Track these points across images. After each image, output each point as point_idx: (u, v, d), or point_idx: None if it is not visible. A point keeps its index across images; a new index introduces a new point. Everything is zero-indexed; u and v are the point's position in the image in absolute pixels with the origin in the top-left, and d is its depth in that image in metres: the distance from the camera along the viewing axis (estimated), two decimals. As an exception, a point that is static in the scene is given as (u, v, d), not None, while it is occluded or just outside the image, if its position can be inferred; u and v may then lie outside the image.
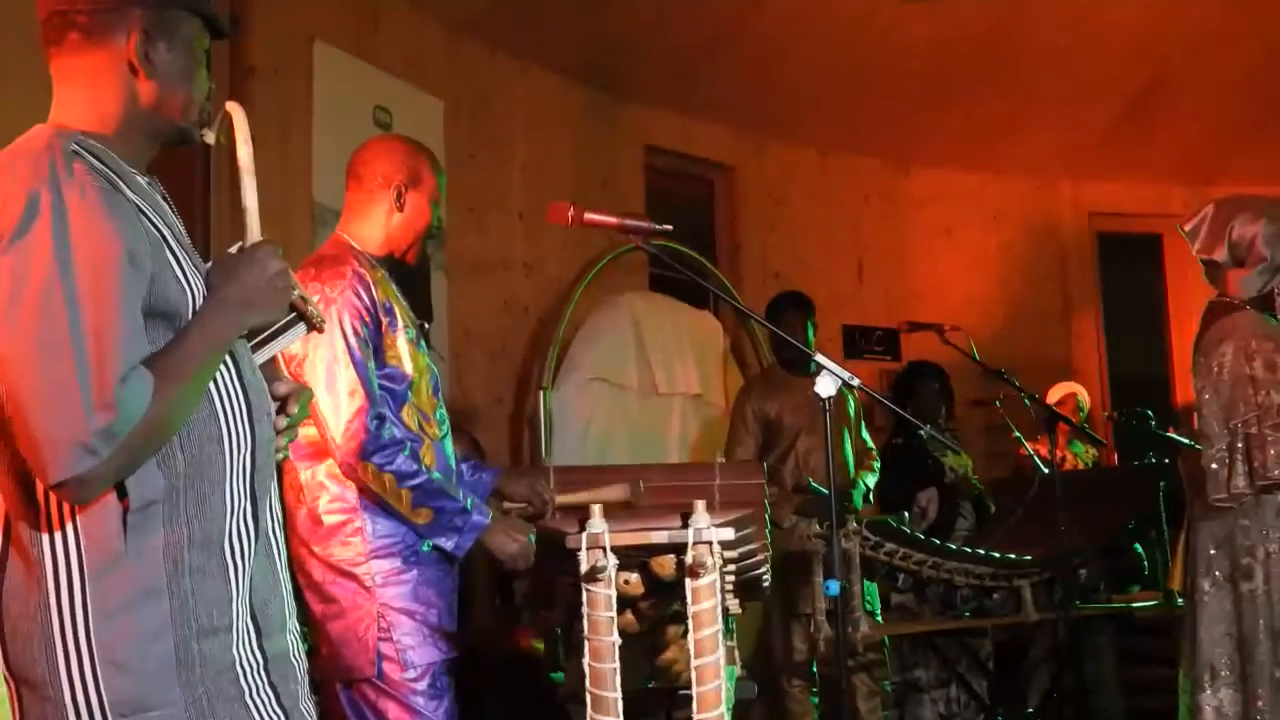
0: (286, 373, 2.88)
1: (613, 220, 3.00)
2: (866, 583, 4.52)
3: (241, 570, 1.82)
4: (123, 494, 1.72)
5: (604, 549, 2.27)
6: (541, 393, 5.92)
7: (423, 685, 2.90)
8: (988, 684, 5.49)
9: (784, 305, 5.41)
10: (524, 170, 6.26)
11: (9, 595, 1.75)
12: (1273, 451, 3.30)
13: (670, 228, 3.06)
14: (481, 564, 4.60)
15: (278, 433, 1.95)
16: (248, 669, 1.80)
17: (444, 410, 3.16)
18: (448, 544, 2.94)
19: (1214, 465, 3.41)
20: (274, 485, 1.93)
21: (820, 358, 3.05)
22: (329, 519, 2.94)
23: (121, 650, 1.70)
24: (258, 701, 1.80)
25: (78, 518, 1.72)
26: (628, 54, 6.44)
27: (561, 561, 2.37)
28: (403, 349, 3.01)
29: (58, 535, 1.72)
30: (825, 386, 3.00)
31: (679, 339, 6.46)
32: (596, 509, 2.32)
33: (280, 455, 1.98)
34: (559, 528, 2.39)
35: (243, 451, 1.84)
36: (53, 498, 1.72)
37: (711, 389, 6.55)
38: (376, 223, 3.11)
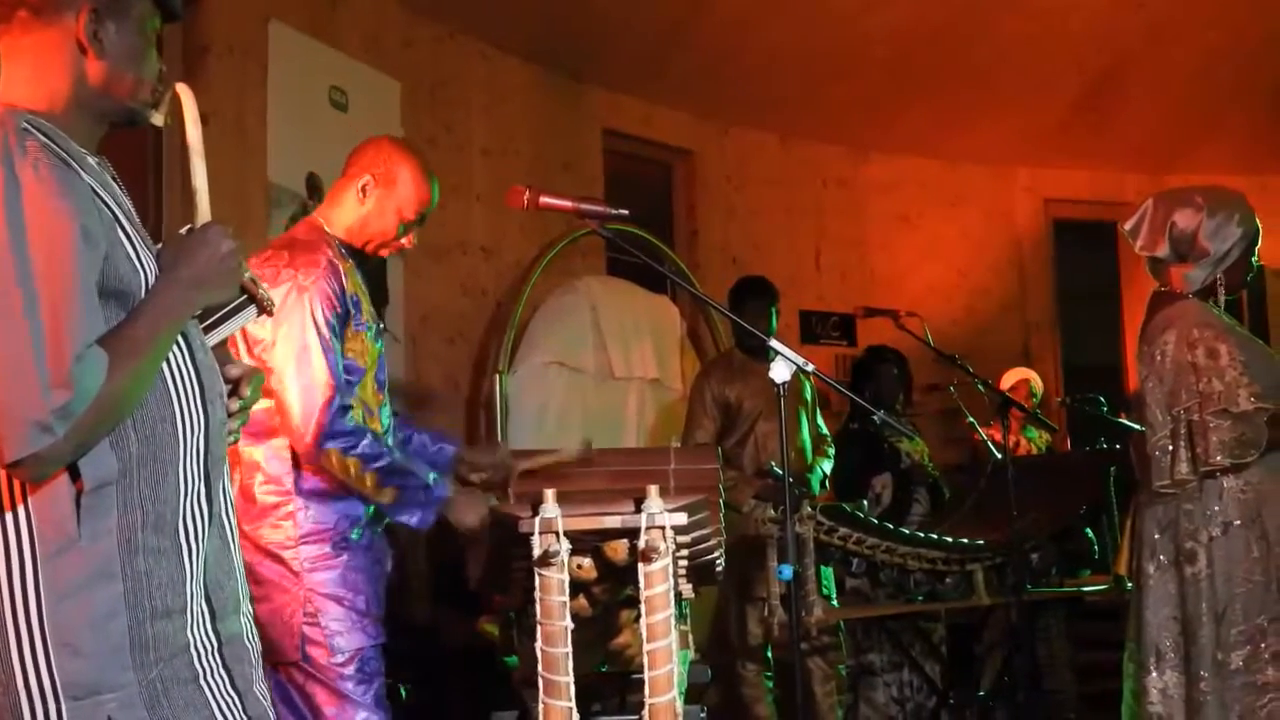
0: (249, 356, 2.88)
1: (568, 204, 2.99)
2: (822, 567, 4.54)
3: (196, 552, 1.81)
4: (76, 476, 1.71)
5: (557, 534, 2.26)
6: (498, 377, 5.91)
7: (350, 670, 2.91)
8: (940, 668, 5.53)
9: (747, 291, 5.40)
10: (483, 153, 6.24)
11: None
12: (1215, 438, 3.33)
13: (626, 212, 3.05)
14: (426, 553, 4.59)
15: (230, 415, 1.95)
16: (202, 651, 1.80)
17: (389, 406, 3.17)
18: (412, 520, 2.96)
19: (1158, 453, 3.43)
20: (226, 467, 1.93)
21: (775, 343, 3.06)
22: (262, 500, 2.94)
23: (74, 632, 1.69)
24: (212, 684, 1.80)
25: (29, 499, 1.71)
26: (588, 37, 6.42)
27: (514, 546, 2.37)
28: (366, 342, 3.03)
29: (9, 517, 1.71)
30: (780, 372, 3.01)
31: (636, 323, 6.46)
32: (550, 493, 2.32)
33: (232, 438, 1.97)
34: (512, 512, 2.38)
35: (196, 433, 1.83)
36: (3, 479, 1.71)
37: (668, 373, 6.55)
38: (346, 210, 3.12)
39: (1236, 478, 3.39)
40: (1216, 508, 3.40)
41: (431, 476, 2.99)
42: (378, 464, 2.90)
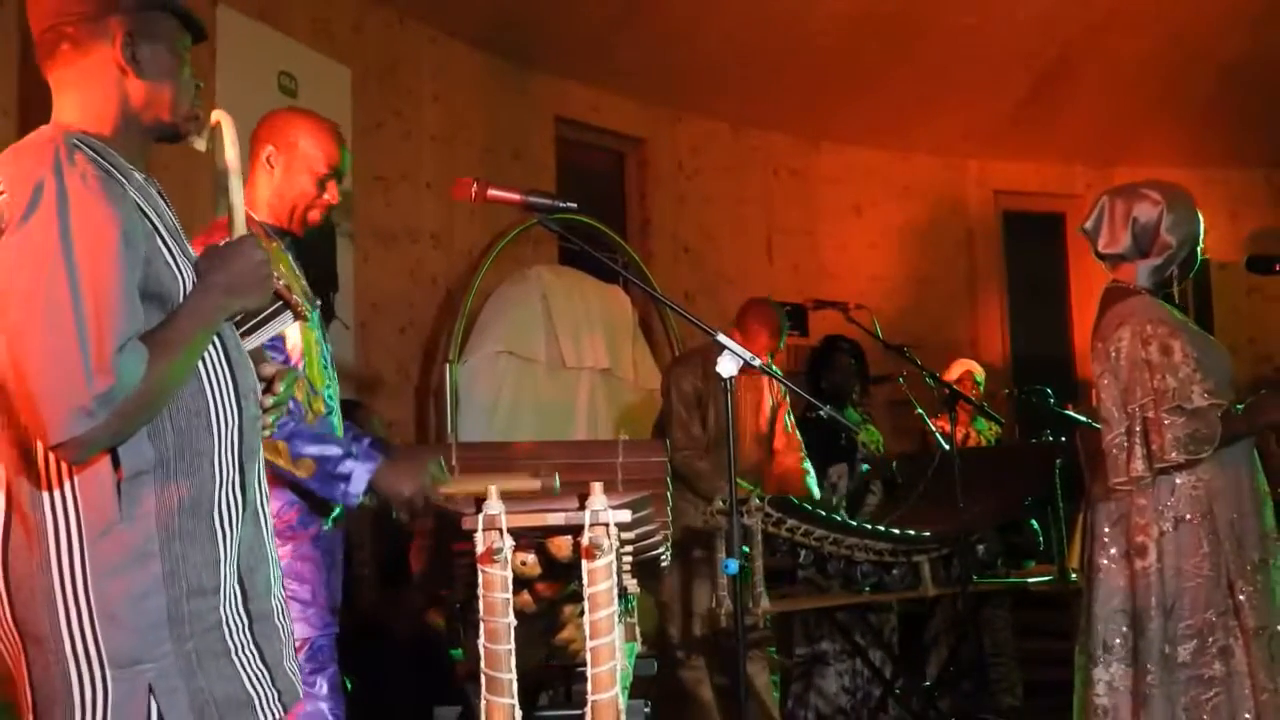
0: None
1: (515, 197, 2.97)
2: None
3: (230, 536, 1.96)
4: (116, 464, 1.86)
5: (500, 530, 2.25)
6: (448, 366, 5.88)
7: (300, 660, 2.87)
8: (888, 657, 5.57)
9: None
10: (433, 140, 6.20)
11: (14, 555, 1.88)
12: (1169, 435, 3.34)
13: (574, 205, 3.03)
14: (373, 542, 4.55)
15: (264, 411, 2.10)
16: (233, 627, 1.94)
17: (335, 387, 3.13)
18: (336, 493, 2.85)
19: (1114, 450, 3.44)
20: (260, 460, 2.06)
21: (721, 338, 3.05)
22: None
23: (117, 607, 1.84)
24: (242, 658, 1.95)
25: (75, 484, 1.85)
26: (539, 24, 6.39)
27: (458, 540, 2.35)
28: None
29: (57, 499, 1.86)
30: (727, 366, 3.01)
31: (587, 313, 6.44)
32: (494, 489, 2.30)
33: (267, 432, 2.13)
34: (456, 507, 2.37)
35: (230, 426, 1.98)
36: (52, 465, 1.86)
37: (620, 363, 6.54)
38: (260, 187, 3.10)
39: (1189, 473, 3.41)
40: (1168, 502, 3.41)
41: (354, 447, 2.88)
42: (283, 430, 2.81)
